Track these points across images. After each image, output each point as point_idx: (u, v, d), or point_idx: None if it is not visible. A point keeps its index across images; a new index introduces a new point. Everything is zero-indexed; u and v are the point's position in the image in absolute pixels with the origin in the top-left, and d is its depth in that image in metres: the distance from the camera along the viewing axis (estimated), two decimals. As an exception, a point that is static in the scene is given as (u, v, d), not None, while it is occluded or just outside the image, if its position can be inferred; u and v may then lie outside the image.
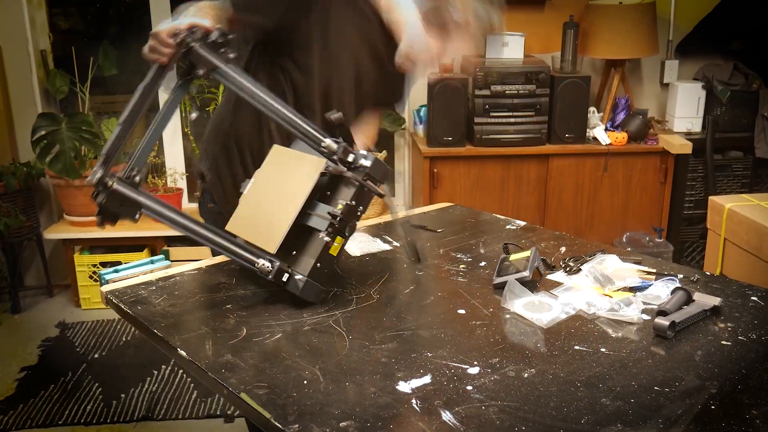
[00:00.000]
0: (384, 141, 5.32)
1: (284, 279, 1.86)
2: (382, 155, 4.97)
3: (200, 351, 1.67)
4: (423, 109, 4.81)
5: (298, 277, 1.86)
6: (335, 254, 1.89)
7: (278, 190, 2.00)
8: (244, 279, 2.09)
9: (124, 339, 4.49)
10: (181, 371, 4.05)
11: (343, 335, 1.73)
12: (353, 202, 1.88)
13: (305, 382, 1.52)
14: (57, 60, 5.18)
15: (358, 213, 1.89)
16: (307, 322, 1.81)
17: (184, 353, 1.67)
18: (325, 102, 2.31)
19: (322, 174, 1.93)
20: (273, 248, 1.87)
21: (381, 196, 1.92)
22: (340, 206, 1.87)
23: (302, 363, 1.60)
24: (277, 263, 1.85)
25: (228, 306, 1.91)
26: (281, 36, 2.22)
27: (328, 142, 1.88)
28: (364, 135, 2.53)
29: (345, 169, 1.89)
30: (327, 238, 1.87)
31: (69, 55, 5.07)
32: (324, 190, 1.95)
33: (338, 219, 1.86)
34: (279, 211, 1.94)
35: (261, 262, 1.85)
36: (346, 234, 1.89)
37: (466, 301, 1.93)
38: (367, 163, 1.88)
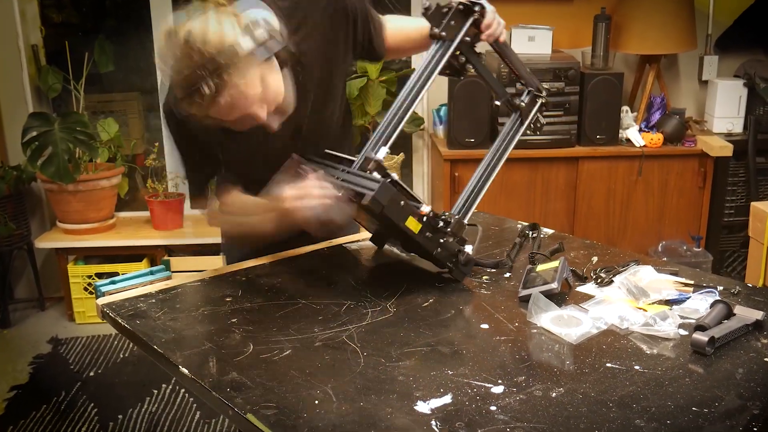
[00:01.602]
0: (401, 142, 5.32)
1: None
2: (399, 158, 4.98)
3: (204, 369, 1.68)
4: (443, 108, 4.82)
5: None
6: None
7: None
8: (250, 291, 2.10)
9: (121, 356, 4.51)
10: (182, 390, 4.06)
11: (358, 352, 1.74)
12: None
13: (317, 402, 1.52)
14: (49, 55, 5.20)
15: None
16: (319, 337, 1.82)
17: (186, 371, 1.68)
18: None
19: None
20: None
21: None
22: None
23: (313, 381, 1.61)
24: None
25: (233, 320, 1.92)
26: None
27: None
28: None
29: None
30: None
31: (62, 51, 5.09)
32: None
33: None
34: None
35: None
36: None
37: (490, 315, 1.94)
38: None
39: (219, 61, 1.80)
